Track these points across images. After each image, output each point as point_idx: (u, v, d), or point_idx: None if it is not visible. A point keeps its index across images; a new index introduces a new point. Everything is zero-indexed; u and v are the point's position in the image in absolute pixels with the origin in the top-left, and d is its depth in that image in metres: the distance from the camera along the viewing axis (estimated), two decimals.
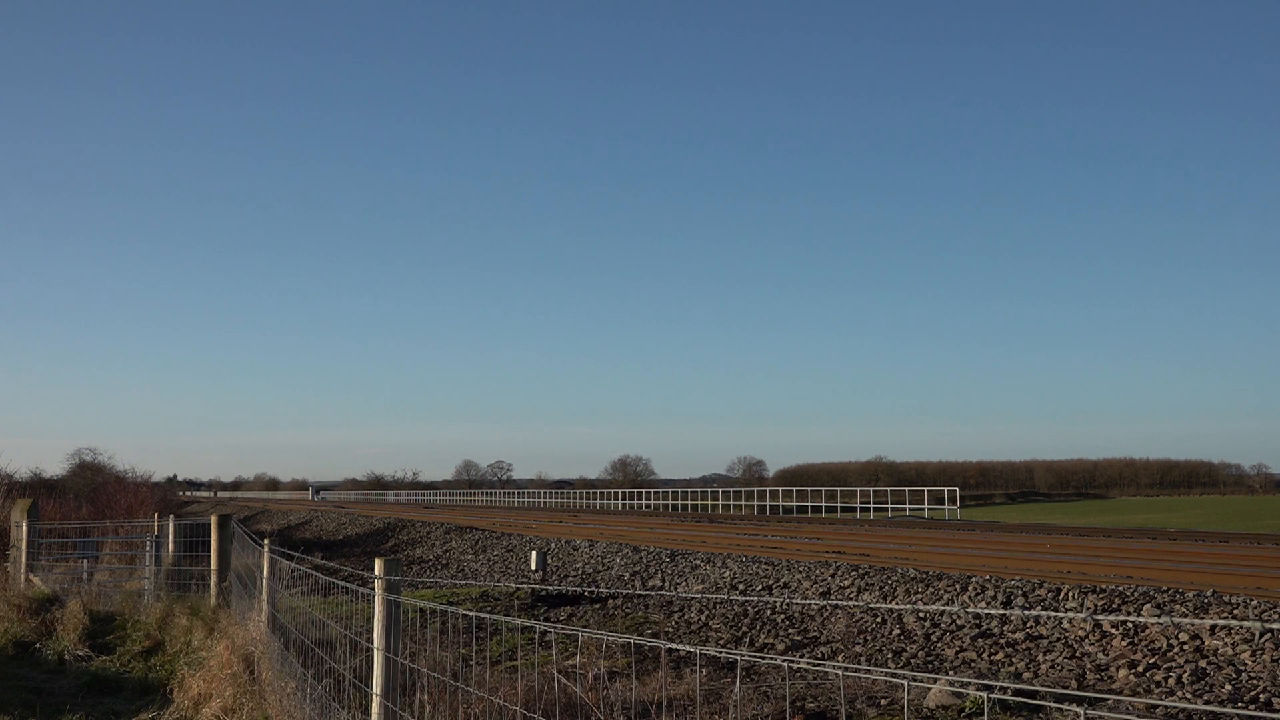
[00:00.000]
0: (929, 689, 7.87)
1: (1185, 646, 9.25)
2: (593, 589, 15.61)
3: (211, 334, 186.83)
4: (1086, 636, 9.95)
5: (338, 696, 6.05)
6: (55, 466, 52.21)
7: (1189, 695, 8.01)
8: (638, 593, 6.77)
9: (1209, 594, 11.08)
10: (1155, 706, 7.44)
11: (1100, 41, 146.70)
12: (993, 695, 7.49)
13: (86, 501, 30.17)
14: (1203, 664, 8.73)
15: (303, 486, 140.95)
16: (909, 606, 3.79)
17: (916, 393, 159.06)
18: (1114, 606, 10.96)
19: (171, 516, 17.18)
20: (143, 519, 21.06)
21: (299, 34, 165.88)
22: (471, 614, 4.94)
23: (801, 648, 10.88)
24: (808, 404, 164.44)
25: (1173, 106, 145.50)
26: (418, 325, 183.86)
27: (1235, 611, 10.16)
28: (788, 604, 12.62)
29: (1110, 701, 7.34)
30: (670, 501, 67.03)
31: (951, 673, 9.24)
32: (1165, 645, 9.36)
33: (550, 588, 15.96)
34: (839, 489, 54.15)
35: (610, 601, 14.50)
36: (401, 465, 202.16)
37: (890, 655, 10.25)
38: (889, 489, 55.90)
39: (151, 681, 9.73)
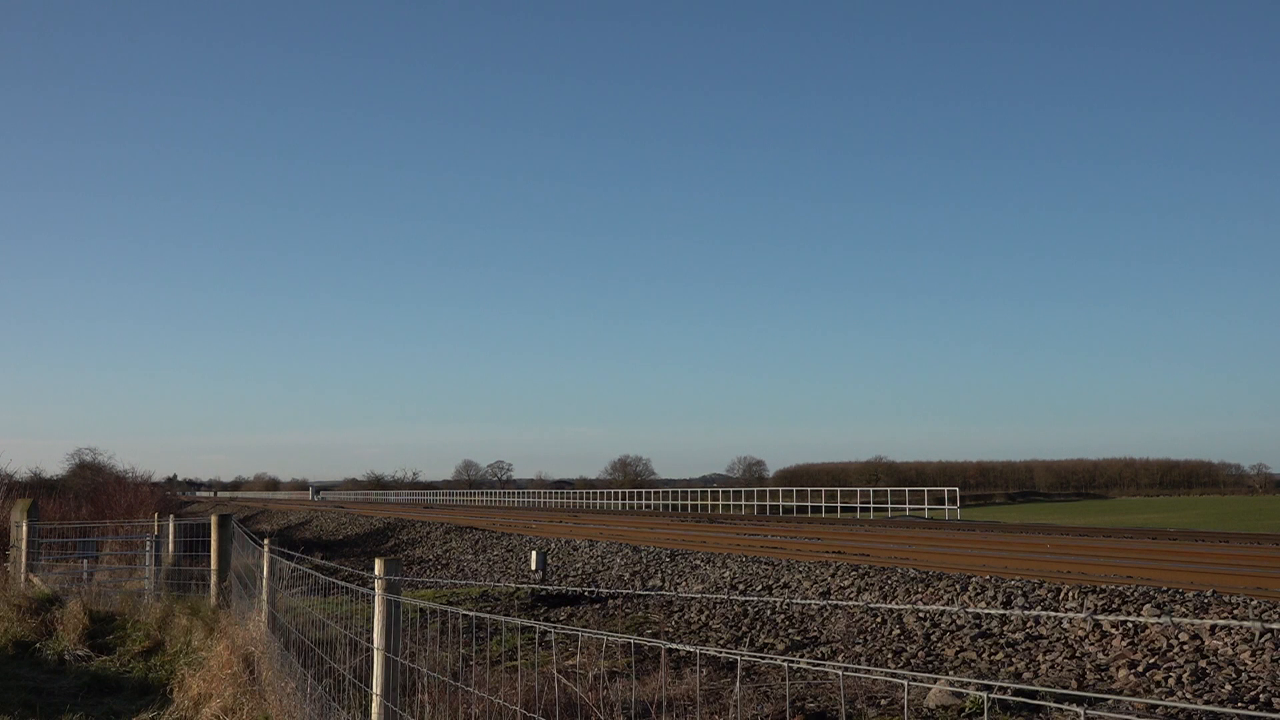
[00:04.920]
0: (929, 689, 7.87)
1: (1185, 646, 9.25)
2: (593, 589, 15.61)
3: (211, 334, 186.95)
4: (1086, 636, 9.95)
5: (338, 696, 6.05)
6: (55, 466, 52.23)
7: (1189, 695, 8.01)
8: (638, 593, 6.77)
9: (1209, 594, 11.07)
10: (1155, 706, 7.44)
11: (1100, 41, 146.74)
12: (993, 695, 7.49)
13: (86, 501, 30.14)
14: (1203, 664, 8.73)
15: (303, 486, 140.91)
16: (909, 606, 3.79)
17: (916, 393, 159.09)
18: (1114, 606, 10.96)
19: (171, 516, 17.18)
20: (143, 519, 21.05)
21: (299, 34, 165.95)
22: (471, 614, 4.94)
23: (801, 648, 10.88)
24: (808, 404, 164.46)
25: (1173, 106, 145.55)
26: (418, 325, 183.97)
27: (1235, 611, 10.16)
28: (788, 604, 12.61)
29: (1110, 701, 7.34)
30: (670, 501, 67.01)
31: (951, 673, 9.24)
32: (1165, 645, 9.36)
33: (550, 588, 15.96)
34: (839, 489, 54.14)
35: (610, 601, 14.50)
36: (401, 465, 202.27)
37: (890, 655, 10.24)
38: (889, 489, 55.88)
39: (151, 681, 9.73)
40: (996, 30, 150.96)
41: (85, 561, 16.58)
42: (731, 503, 62.68)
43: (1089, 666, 9.13)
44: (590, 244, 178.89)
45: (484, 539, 27.53)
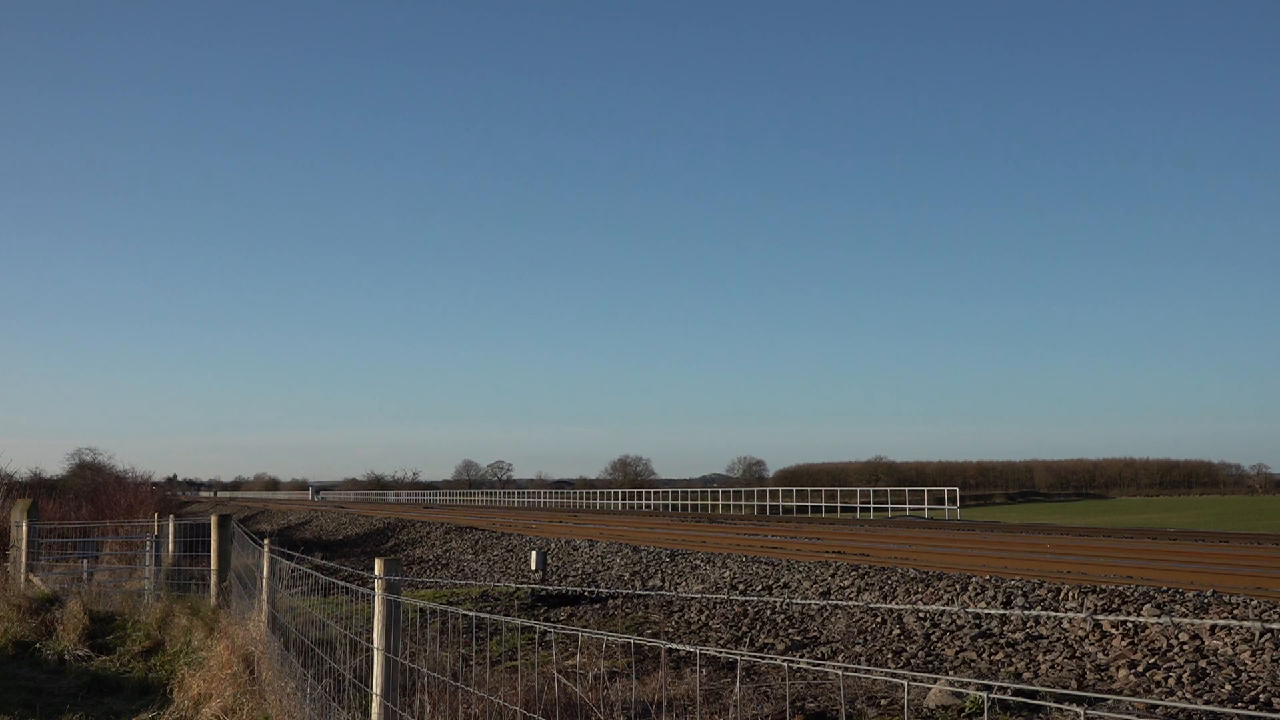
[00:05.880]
0: (929, 689, 7.87)
1: (1185, 646, 9.25)
2: (593, 589, 15.61)
3: (211, 334, 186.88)
4: (1086, 636, 9.95)
5: (338, 696, 6.05)
6: (55, 466, 52.19)
7: (1189, 695, 8.01)
8: (638, 593, 6.77)
9: (1209, 594, 11.07)
10: (1155, 706, 7.44)
11: (1100, 41, 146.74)
12: (993, 695, 7.50)
13: (86, 501, 30.13)
14: (1203, 664, 8.73)
15: (303, 486, 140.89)
16: (909, 606, 3.79)
17: (916, 393, 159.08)
18: (1114, 606, 10.96)
19: (171, 516, 17.18)
20: (143, 519, 21.05)
21: (299, 34, 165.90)
22: (471, 614, 4.94)
23: (801, 648, 10.88)
24: (808, 404, 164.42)
25: (1173, 106, 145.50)
26: (418, 325, 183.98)
27: (1235, 611, 10.16)
28: (788, 604, 12.61)
29: (1110, 701, 7.34)
30: (670, 501, 67.00)
31: (951, 673, 9.24)
32: (1165, 645, 9.36)
33: (550, 588, 15.96)
34: (839, 489, 54.13)
35: (610, 601, 14.50)
36: (401, 465, 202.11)
37: (890, 655, 10.25)
38: (889, 489, 55.88)
39: (151, 681, 9.73)
40: (996, 30, 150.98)
41: (85, 561, 16.58)
42: (731, 503, 62.67)
43: (1089, 666, 9.13)
44: (590, 244, 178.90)
45: (484, 539, 27.52)
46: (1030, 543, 22.52)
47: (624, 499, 70.32)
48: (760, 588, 15.22)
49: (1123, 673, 8.79)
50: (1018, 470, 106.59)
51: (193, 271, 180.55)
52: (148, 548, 16.05)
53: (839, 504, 52.76)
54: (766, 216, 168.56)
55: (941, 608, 3.61)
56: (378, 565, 5.45)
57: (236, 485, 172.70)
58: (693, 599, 14.15)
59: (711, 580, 16.34)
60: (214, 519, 13.11)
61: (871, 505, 54.07)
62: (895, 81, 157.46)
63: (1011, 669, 9.38)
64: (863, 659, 10.06)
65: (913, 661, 9.91)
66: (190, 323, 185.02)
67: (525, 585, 16.23)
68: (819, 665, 3.09)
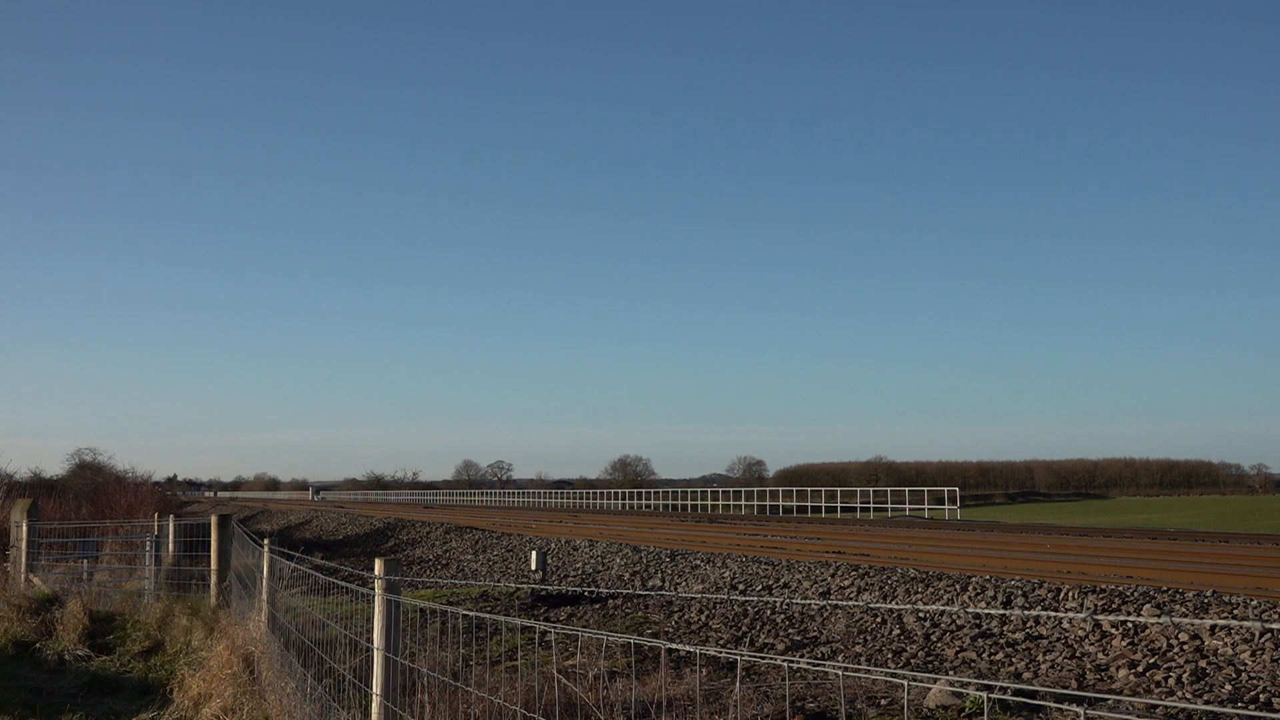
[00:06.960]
0: (929, 689, 7.87)
1: (1185, 646, 9.25)
2: (593, 589, 15.60)
3: (211, 334, 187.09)
4: (1086, 636, 9.95)
5: (338, 696, 6.05)
6: (55, 466, 52.21)
7: (1189, 695, 8.01)
8: (638, 593, 6.77)
9: (1209, 594, 11.07)
10: (1155, 706, 7.44)
11: (1100, 41, 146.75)
12: (993, 695, 7.50)
13: (86, 501, 30.13)
14: (1203, 664, 8.73)
15: (303, 486, 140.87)
16: (909, 606, 3.80)
17: (916, 393, 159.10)
18: (1114, 606, 10.96)
19: (171, 516, 17.18)
20: (143, 519, 21.04)
21: (299, 34, 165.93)
22: (471, 614, 4.94)
23: (801, 648, 10.88)
24: (808, 404, 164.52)
25: (1173, 106, 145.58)
26: (418, 325, 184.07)
27: (1235, 611, 10.16)
28: (788, 604, 12.61)
29: (1110, 701, 7.34)
30: (670, 501, 66.99)
31: (951, 673, 9.24)
32: (1165, 645, 9.36)
33: (550, 588, 15.96)
34: (839, 489, 54.13)
35: (610, 601, 14.50)
36: (401, 465, 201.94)
37: (890, 655, 10.24)
38: (889, 489, 55.87)
39: (151, 681, 9.73)
40: (996, 30, 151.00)
41: (85, 561, 16.57)
42: (731, 503, 62.66)
43: (1089, 666, 9.13)
44: (590, 244, 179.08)
45: (484, 539, 27.52)
46: (1030, 543, 22.51)
47: (624, 499, 70.32)
48: (760, 588, 15.22)
49: (1123, 673, 8.79)
50: (1018, 470, 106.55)
51: (193, 271, 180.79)
52: (148, 548, 16.05)
53: (839, 504, 52.76)
54: (766, 216, 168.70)
55: (941, 608, 3.61)
56: (378, 565, 5.45)
57: (236, 485, 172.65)
58: (693, 599, 14.15)
59: (711, 580, 16.34)
60: (214, 519, 13.11)
61: (871, 505, 54.07)
62: (895, 81, 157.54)
63: (1011, 669, 9.38)
64: (863, 659, 10.06)
65: (913, 661, 9.91)
66: (190, 323, 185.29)
67: (525, 585, 16.23)
68: (819, 665, 3.09)
